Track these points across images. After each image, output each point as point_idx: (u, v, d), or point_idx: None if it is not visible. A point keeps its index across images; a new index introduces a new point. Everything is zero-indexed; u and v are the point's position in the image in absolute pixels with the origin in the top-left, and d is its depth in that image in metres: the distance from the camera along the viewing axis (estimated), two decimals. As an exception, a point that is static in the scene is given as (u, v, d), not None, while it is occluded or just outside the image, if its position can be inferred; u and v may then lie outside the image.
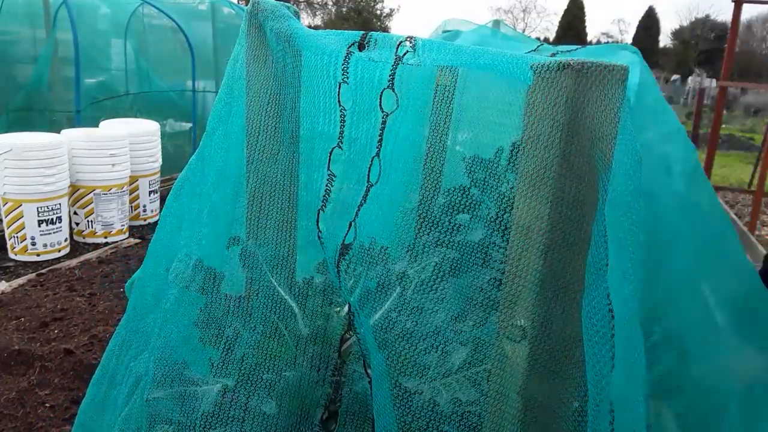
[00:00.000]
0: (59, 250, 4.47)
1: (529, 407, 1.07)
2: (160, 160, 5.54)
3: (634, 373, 0.95)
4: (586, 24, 31.63)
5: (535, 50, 1.65)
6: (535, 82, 0.99)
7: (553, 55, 1.58)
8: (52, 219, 4.37)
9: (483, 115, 1.32)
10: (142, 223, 5.40)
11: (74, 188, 4.68)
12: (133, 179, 5.15)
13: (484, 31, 1.96)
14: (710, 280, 1.51)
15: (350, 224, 1.18)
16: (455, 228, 1.17)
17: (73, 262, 4.36)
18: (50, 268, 4.20)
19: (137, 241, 4.96)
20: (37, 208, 4.28)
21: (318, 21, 31.85)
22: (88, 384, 1.48)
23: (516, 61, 1.02)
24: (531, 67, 0.99)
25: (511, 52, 1.06)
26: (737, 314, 1.46)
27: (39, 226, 4.32)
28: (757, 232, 6.40)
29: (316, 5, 31.86)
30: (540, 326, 1.05)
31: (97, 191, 4.73)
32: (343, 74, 1.16)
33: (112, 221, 4.85)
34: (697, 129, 8.65)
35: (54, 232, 4.41)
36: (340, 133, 1.19)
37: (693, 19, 35.16)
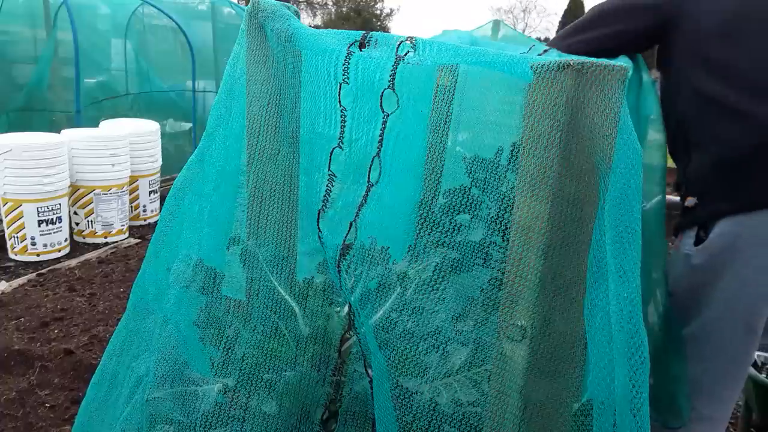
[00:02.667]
0: (59, 250, 4.47)
1: (530, 407, 1.07)
2: (160, 160, 5.54)
3: (638, 372, 0.95)
4: (586, 24, 31.51)
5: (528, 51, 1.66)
6: (535, 82, 0.99)
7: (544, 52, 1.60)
8: (52, 219, 4.37)
9: (483, 115, 1.32)
10: (142, 223, 5.40)
11: (74, 188, 4.68)
12: (133, 179, 5.15)
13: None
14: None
15: (351, 224, 1.18)
16: (456, 228, 1.17)
17: (73, 262, 4.35)
18: (50, 268, 4.20)
19: (137, 241, 4.96)
20: (37, 208, 4.28)
21: (318, 21, 31.85)
22: (88, 384, 1.48)
23: (516, 61, 1.02)
24: (531, 67, 0.99)
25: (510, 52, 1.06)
26: None
27: (39, 226, 4.32)
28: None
29: (316, 5, 31.86)
30: (540, 326, 1.05)
31: (97, 191, 4.73)
32: (343, 74, 1.16)
33: (112, 221, 4.85)
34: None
35: (54, 232, 4.40)
36: (340, 133, 1.19)
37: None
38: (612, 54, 1.61)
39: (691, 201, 1.59)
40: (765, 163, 1.47)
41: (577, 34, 1.70)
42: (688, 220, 1.61)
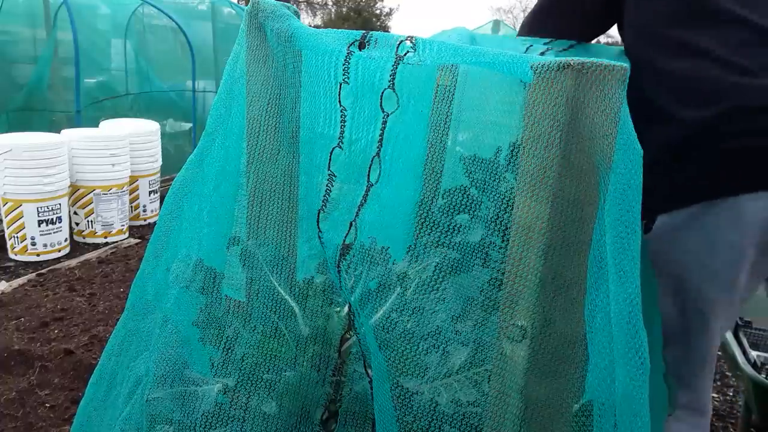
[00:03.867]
0: (59, 250, 4.47)
1: (530, 408, 1.07)
2: (160, 160, 5.54)
3: (638, 373, 0.95)
4: (586, 24, 31.49)
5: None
6: (536, 82, 0.99)
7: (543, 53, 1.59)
8: (52, 219, 4.37)
9: (483, 115, 1.32)
10: (142, 223, 5.40)
11: (74, 188, 4.68)
12: (133, 179, 5.15)
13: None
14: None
15: (351, 224, 1.18)
16: (455, 228, 1.17)
17: (73, 262, 4.35)
18: (50, 268, 4.20)
19: (137, 241, 4.96)
20: (37, 208, 4.28)
21: (318, 21, 31.85)
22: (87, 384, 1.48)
23: (516, 61, 1.02)
24: (531, 66, 0.99)
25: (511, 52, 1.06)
26: None
27: (39, 226, 4.32)
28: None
29: (316, 5, 31.86)
30: (540, 326, 1.05)
31: (97, 191, 4.73)
32: (343, 74, 1.16)
33: (112, 221, 4.85)
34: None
35: (54, 232, 4.40)
36: (340, 133, 1.19)
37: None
38: (582, 36, 1.64)
39: None
40: (692, 161, 1.46)
41: (540, 20, 1.70)
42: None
